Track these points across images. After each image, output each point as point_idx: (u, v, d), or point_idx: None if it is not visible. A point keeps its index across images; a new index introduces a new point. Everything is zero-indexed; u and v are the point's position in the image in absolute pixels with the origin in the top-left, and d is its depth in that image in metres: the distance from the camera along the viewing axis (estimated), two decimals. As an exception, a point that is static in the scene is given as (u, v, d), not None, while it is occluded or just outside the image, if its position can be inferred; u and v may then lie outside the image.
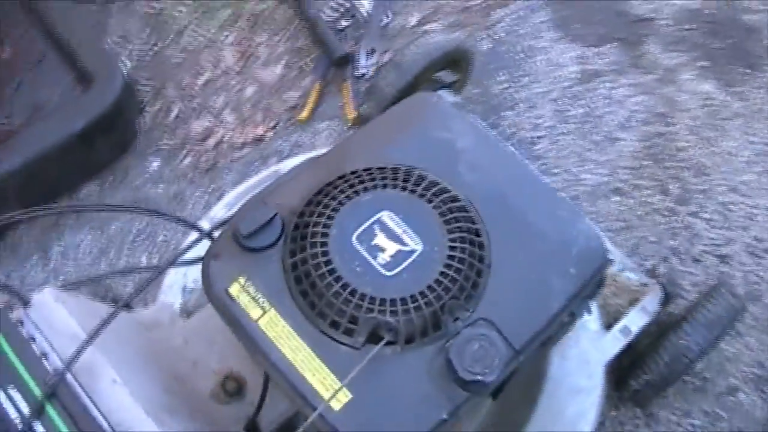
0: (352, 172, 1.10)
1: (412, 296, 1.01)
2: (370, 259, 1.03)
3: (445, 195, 1.09)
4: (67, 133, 1.58)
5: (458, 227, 1.06)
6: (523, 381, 1.32)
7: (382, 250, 1.04)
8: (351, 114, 1.78)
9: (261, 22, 1.93)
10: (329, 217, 1.06)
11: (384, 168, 1.11)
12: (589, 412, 1.33)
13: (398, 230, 1.06)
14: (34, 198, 1.62)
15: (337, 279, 1.01)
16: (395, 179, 1.10)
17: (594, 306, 1.41)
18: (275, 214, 1.07)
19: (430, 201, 1.08)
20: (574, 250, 1.11)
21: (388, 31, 1.94)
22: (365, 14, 1.94)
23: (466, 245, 1.05)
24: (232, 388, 1.25)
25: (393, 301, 1.01)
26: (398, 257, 1.04)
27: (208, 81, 1.85)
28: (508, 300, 1.05)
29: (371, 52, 1.87)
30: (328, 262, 1.02)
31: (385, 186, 1.09)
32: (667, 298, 1.42)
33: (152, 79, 1.84)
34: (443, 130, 1.19)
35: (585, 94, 1.92)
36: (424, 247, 1.04)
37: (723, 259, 1.74)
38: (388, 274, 1.02)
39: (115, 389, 1.06)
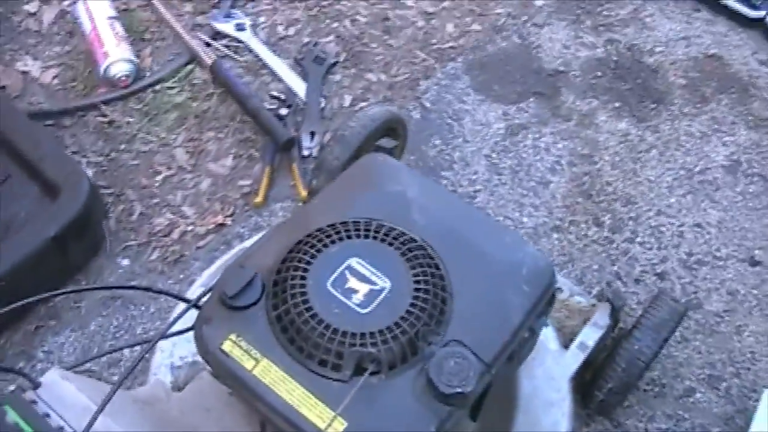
0: (318, 230, 1.23)
1: (388, 327, 1.13)
2: (345, 300, 1.15)
3: (403, 237, 1.22)
4: (41, 240, 1.67)
5: (419, 263, 1.19)
6: (498, 402, 1.44)
7: (355, 291, 1.16)
8: (303, 192, 1.91)
9: (206, 121, 2.07)
10: (304, 270, 1.17)
11: (346, 222, 1.24)
12: (561, 422, 1.44)
13: (367, 273, 1.18)
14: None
15: (320, 322, 1.13)
16: (358, 230, 1.22)
17: (551, 329, 1.54)
18: (255, 274, 1.19)
19: (391, 244, 1.21)
20: (524, 270, 1.25)
21: (325, 113, 2.09)
22: (302, 101, 2.09)
23: (429, 278, 1.18)
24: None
25: (372, 334, 1.12)
26: (371, 296, 1.16)
27: (164, 180, 1.97)
28: (473, 320, 1.18)
29: (312, 135, 2.02)
30: (309, 309, 1.14)
31: (349, 237, 1.21)
32: (615, 311, 1.55)
33: (111, 186, 1.95)
34: (393, 183, 1.33)
35: (513, 146, 2.09)
36: (392, 285, 1.17)
37: (661, 276, 1.89)
38: (364, 311, 1.14)
39: (130, 453, 1.15)
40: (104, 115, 2.07)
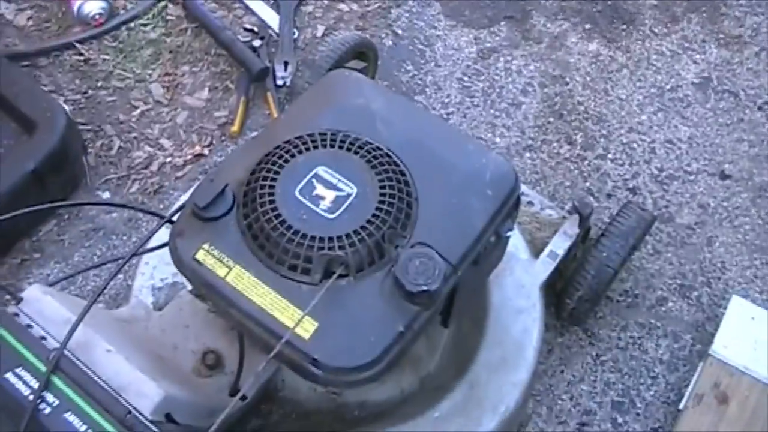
0: (286, 142, 1.26)
1: (355, 231, 1.16)
2: (313, 207, 1.18)
3: (368, 146, 1.25)
4: (19, 174, 1.70)
5: (384, 169, 1.22)
6: (469, 311, 1.49)
7: (323, 198, 1.20)
8: (277, 120, 1.94)
9: (181, 55, 2.09)
10: (272, 180, 1.21)
11: (312, 134, 1.27)
12: (532, 328, 1.48)
13: (333, 180, 1.21)
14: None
15: (288, 228, 1.16)
16: (324, 140, 1.25)
17: (521, 239, 1.58)
18: (226, 185, 1.22)
19: (356, 152, 1.24)
20: (487, 175, 1.28)
21: (299, 44, 2.11)
22: (275, 33, 2.11)
23: (393, 183, 1.21)
24: (211, 360, 1.37)
25: (340, 238, 1.16)
26: (337, 202, 1.19)
27: (141, 114, 1.99)
28: (438, 224, 1.21)
29: (286, 65, 2.04)
30: (278, 216, 1.17)
31: (315, 147, 1.25)
32: (582, 219, 1.59)
33: (89, 122, 1.97)
34: (358, 96, 1.35)
35: (485, 69, 2.11)
36: (358, 190, 1.20)
37: (633, 191, 1.93)
38: (331, 216, 1.18)
39: (110, 357, 1.18)
40: (80, 54, 2.08)
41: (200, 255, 1.19)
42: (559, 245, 1.58)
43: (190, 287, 1.51)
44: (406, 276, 1.14)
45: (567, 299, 1.62)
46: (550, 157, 1.97)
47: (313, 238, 1.16)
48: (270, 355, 1.11)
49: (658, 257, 1.85)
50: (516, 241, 1.56)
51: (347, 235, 1.16)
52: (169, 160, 1.93)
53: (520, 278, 1.54)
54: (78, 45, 2.09)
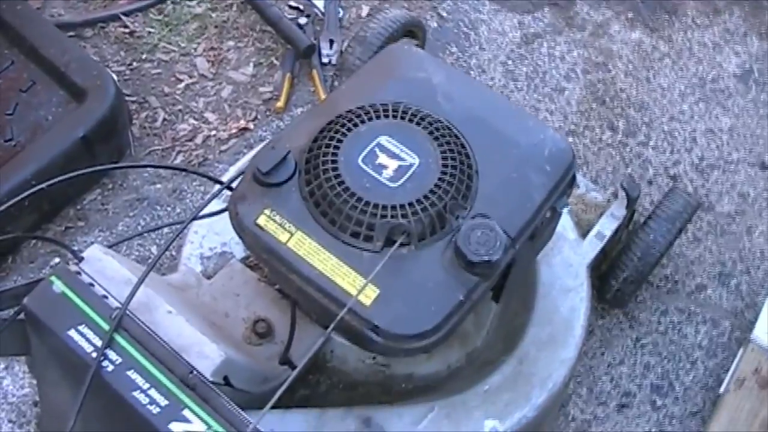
0: (348, 111, 1.27)
1: (418, 200, 1.18)
2: (376, 175, 1.20)
3: (430, 118, 1.26)
4: (70, 141, 1.71)
5: (446, 141, 1.23)
6: (519, 289, 1.50)
7: (385, 167, 1.21)
8: (323, 97, 1.94)
9: (227, 30, 2.10)
10: (335, 147, 1.22)
11: (374, 104, 1.28)
12: (580, 307, 1.49)
13: (396, 150, 1.22)
14: (44, 205, 1.76)
15: (352, 195, 1.17)
16: (386, 111, 1.27)
17: (569, 220, 1.59)
18: (288, 152, 1.23)
19: (418, 124, 1.25)
20: (545, 151, 1.29)
21: (344, 23, 2.12)
22: (321, 11, 2.12)
23: (455, 155, 1.22)
24: (262, 329, 1.39)
25: (403, 206, 1.17)
26: (400, 171, 1.20)
27: (186, 87, 2.00)
28: (498, 197, 1.23)
29: (332, 43, 2.04)
30: (341, 183, 1.18)
31: (378, 117, 1.26)
32: (630, 200, 1.60)
33: (134, 94, 1.98)
34: (418, 70, 1.36)
35: (529, 54, 2.11)
36: (421, 161, 1.21)
37: (674, 178, 1.93)
38: (394, 185, 1.19)
39: (171, 318, 1.20)
40: (125, 26, 2.09)
41: (262, 220, 1.20)
42: (607, 226, 1.59)
43: (239, 256, 1.53)
44: (468, 246, 1.15)
45: (612, 280, 1.63)
46: (593, 142, 1.97)
47: (375, 205, 1.17)
48: (335, 321, 1.13)
49: (698, 245, 1.85)
50: (564, 222, 1.56)
51: (410, 204, 1.17)
52: (213, 133, 1.94)
53: (569, 257, 1.55)
54: (123, 17, 2.10)
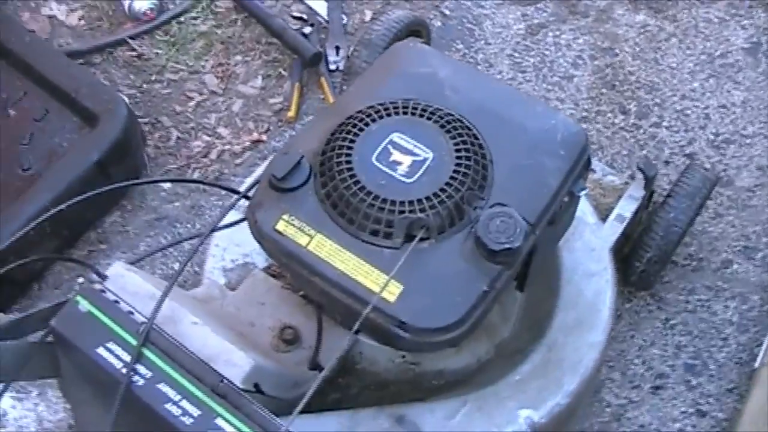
0: (358, 111, 1.27)
1: (434, 194, 1.18)
2: (391, 172, 1.19)
3: (440, 112, 1.26)
4: (85, 166, 1.73)
5: (458, 133, 1.23)
6: (542, 276, 1.49)
7: (400, 163, 1.21)
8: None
9: (233, 46, 2.11)
10: (348, 148, 1.22)
11: (384, 102, 1.28)
12: (605, 290, 1.48)
13: (409, 145, 1.22)
14: (65, 230, 1.78)
15: (368, 193, 1.17)
16: (396, 108, 1.27)
17: (588, 205, 1.58)
18: (302, 156, 1.23)
19: (429, 118, 1.25)
20: (558, 136, 1.29)
21: (348, 29, 2.13)
22: (324, 19, 2.13)
23: (468, 146, 1.22)
24: (289, 335, 1.39)
25: (420, 201, 1.17)
26: (414, 166, 1.20)
27: (197, 105, 2.02)
28: (515, 184, 1.22)
29: (338, 49, 2.05)
30: (357, 182, 1.18)
31: (389, 115, 1.26)
32: (648, 180, 1.59)
33: (146, 115, 2.00)
34: (424, 66, 1.36)
35: (535, 45, 2.12)
36: (434, 154, 1.21)
37: (690, 156, 1.93)
38: (410, 181, 1.19)
39: (197, 329, 1.21)
40: (133, 50, 2.11)
41: (281, 225, 1.20)
42: (626, 208, 1.59)
43: (261, 266, 1.54)
44: (488, 235, 1.15)
45: (636, 262, 1.63)
46: (606, 127, 1.97)
47: (393, 202, 1.17)
48: (359, 319, 1.12)
49: (720, 220, 1.85)
50: (583, 206, 1.56)
51: (427, 198, 1.17)
52: (227, 147, 1.95)
53: (590, 242, 1.54)
54: (130, 41, 2.12)
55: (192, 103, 2.02)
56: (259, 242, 1.24)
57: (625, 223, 1.56)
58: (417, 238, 1.16)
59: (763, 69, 2.08)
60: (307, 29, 2.10)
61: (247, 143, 1.95)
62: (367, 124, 1.25)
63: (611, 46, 2.11)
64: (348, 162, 1.21)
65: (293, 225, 1.20)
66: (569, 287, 1.49)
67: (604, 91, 2.03)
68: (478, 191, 1.20)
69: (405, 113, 1.26)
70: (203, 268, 1.57)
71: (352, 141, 1.23)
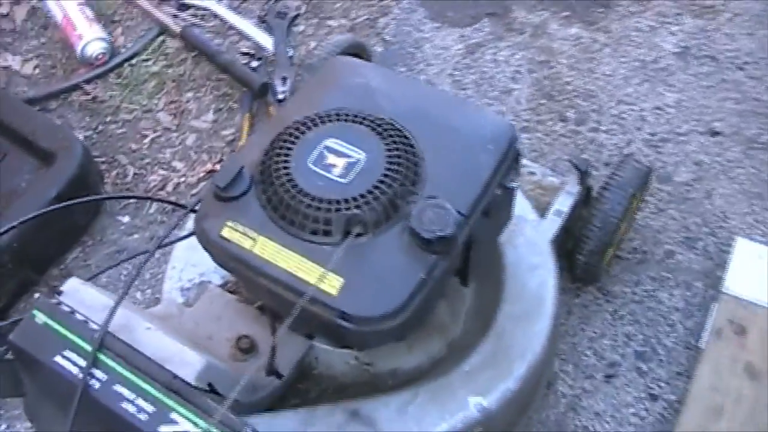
0: (295, 122, 1.34)
1: (368, 191, 1.24)
2: (327, 174, 1.26)
3: (372, 117, 1.33)
4: (43, 201, 1.78)
5: (389, 134, 1.30)
6: (487, 273, 1.55)
7: (335, 165, 1.27)
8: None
9: (184, 83, 2.19)
10: (286, 155, 1.29)
11: (318, 113, 1.35)
12: (547, 281, 1.54)
13: (343, 149, 1.29)
14: (28, 269, 1.82)
15: (306, 195, 1.24)
16: (330, 116, 1.34)
17: (528, 203, 1.65)
18: (242, 167, 1.30)
19: (361, 123, 1.32)
20: (487, 132, 1.36)
21: (294, 60, 2.21)
22: (271, 53, 2.21)
23: (399, 145, 1.29)
24: (246, 344, 1.44)
25: (355, 198, 1.23)
26: (349, 168, 1.27)
27: (152, 141, 2.09)
28: (446, 179, 1.29)
29: (285, 79, 2.13)
30: (295, 186, 1.25)
31: (323, 123, 1.33)
32: (582, 174, 1.66)
33: (103, 155, 2.07)
34: (357, 77, 1.44)
35: (474, 63, 2.20)
36: (367, 155, 1.28)
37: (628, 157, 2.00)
38: (345, 181, 1.25)
39: (151, 334, 1.26)
40: (87, 93, 2.18)
41: (225, 232, 1.26)
42: (563, 203, 1.66)
43: (218, 282, 1.59)
44: (421, 225, 1.21)
45: (579, 255, 1.69)
46: (546, 134, 2.05)
47: (330, 201, 1.23)
48: (297, 309, 1.17)
49: (661, 215, 1.92)
50: (523, 205, 1.63)
51: (362, 195, 1.24)
52: (183, 179, 2.01)
53: (531, 237, 1.61)
54: (85, 85, 2.19)
55: (147, 141, 2.09)
56: (207, 249, 1.30)
57: (562, 217, 1.63)
58: (354, 233, 1.23)
59: (694, 71, 2.17)
60: (255, 63, 2.18)
61: (202, 174, 2.01)
62: (303, 133, 1.32)
63: (548, 59, 2.20)
64: (286, 167, 1.27)
65: (237, 230, 1.26)
66: (514, 281, 1.55)
67: (543, 101, 2.12)
68: (410, 187, 1.27)
69: (338, 120, 1.33)
70: (161, 289, 1.63)
71: (289, 149, 1.30)
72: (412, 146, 1.31)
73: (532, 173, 1.78)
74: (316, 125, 1.33)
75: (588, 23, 2.27)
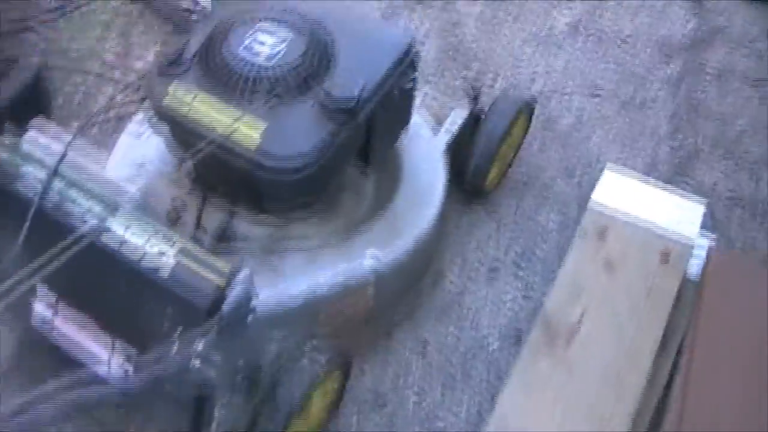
0: (230, 18, 1.62)
1: (288, 70, 1.53)
2: (255, 58, 1.54)
3: (298, 15, 1.62)
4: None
5: (309, 31, 1.59)
6: (388, 176, 1.83)
7: (263, 48, 1.56)
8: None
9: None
10: (222, 39, 1.57)
11: (251, 10, 1.64)
12: (438, 179, 1.84)
13: (270, 39, 1.57)
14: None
15: (238, 63, 1.52)
16: (262, 13, 1.62)
17: (424, 123, 1.95)
18: (184, 49, 1.57)
19: (287, 21, 1.61)
20: (390, 38, 1.68)
21: None
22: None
23: (317, 38, 1.59)
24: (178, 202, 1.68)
25: (276, 78, 1.52)
26: (274, 49, 1.55)
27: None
28: (353, 69, 1.58)
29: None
30: (229, 63, 1.53)
31: (254, 20, 1.61)
32: (473, 101, 1.97)
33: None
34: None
35: (390, 27, 2.51)
36: (289, 46, 1.56)
37: (519, 105, 2.31)
38: (270, 63, 1.54)
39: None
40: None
41: (171, 90, 1.54)
42: (454, 121, 1.96)
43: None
44: (328, 99, 1.51)
45: (466, 169, 1.97)
46: (447, 87, 2.35)
47: (259, 67, 1.53)
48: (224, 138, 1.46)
49: (546, 153, 2.23)
50: (420, 122, 1.92)
51: (282, 73, 1.53)
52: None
53: (425, 149, 1.90)
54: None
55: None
56: (157, 111, 1.58)
57: (453, 129, 1.93)
58: (274, 94, 1.51)
59: (581, 44, 2.51)
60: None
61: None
62: (237, 25, 1.60)
63: (453, 29, 2.52)
64: (221, 50, 1.55)
65: (180, 91, 1.54)
66: (409, 177, 1.85)
67: (446, 61, 2.43)
68: (322, 71, 1.56)
69: (267, 19, 1.61)
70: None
71: (225, 34, 1.58)
72: (325, 43, 1.60)
73: (434, 99, 2.09)
74: (252, 21, 1.61)
75: (492, 1, 2.61)
